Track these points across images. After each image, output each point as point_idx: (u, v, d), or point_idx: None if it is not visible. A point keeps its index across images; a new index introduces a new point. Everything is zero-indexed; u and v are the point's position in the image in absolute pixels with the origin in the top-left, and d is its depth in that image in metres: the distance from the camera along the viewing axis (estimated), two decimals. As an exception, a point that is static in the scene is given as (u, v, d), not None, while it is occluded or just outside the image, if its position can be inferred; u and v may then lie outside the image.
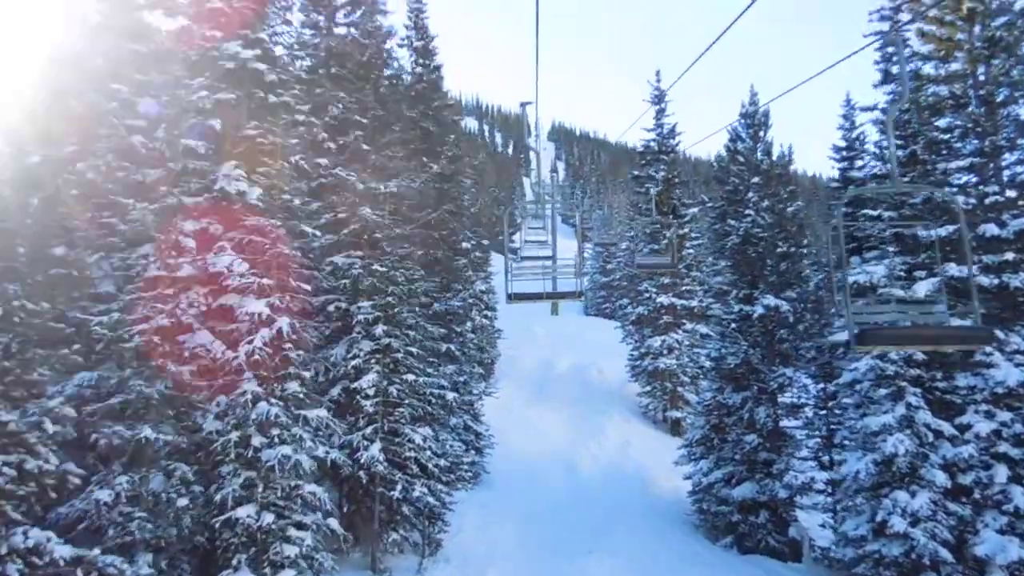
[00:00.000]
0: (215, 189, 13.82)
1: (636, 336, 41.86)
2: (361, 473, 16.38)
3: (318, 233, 16.09)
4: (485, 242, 42.60)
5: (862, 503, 18.42)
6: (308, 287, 15.53)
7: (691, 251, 41.17)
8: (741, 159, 25.18)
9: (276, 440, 11.67)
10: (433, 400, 19.52)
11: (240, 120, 14.92)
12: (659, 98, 40.98)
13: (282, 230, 14.20)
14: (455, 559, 19.08)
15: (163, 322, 11.29)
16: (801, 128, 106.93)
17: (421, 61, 32.05)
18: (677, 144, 41.28)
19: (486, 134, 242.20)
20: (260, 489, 11.59)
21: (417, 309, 19.63)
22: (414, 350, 18.07)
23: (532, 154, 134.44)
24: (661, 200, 40.44)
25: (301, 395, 12.65)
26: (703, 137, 18.59)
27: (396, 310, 17.76)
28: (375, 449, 16.44)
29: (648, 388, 40.30)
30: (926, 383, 18.40)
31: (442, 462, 18.55)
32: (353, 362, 17.25)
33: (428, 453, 17.35)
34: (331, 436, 16.16)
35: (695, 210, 41.52)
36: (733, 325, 24.18)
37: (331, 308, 18.53)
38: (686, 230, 40.49)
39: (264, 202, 13.52)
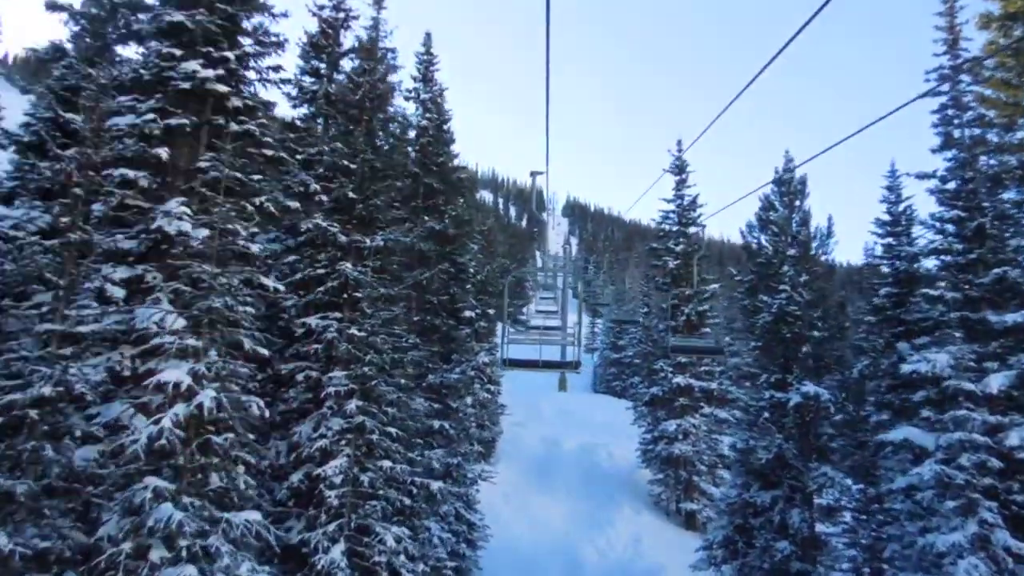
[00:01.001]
0: (152, 229, 11.38)
1: (649, 418, 38.77)
2: (318, 582, 13.47)
3: (280, 287, 13.54)
4: (491, 311, 39.99)
5: (927, 638, 15.28)
6: (266, 351, 12.90)
7: (708, 330, 38.39)
8: (775, 229, 22.68)
9: (184, 555, 8.91)
10: (415, 491, 16.65)
11: (194, 151, 12.57)
12: (680, 168, 38.95)
13: (234, 280, 11.65)
14: None
15: (45, 391, 8.70)
16: (833, 210, 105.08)
17: (428, 115, 30.06)
18: (698, 216, 39.00)
19: (500, 206, 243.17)
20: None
21: (402, 382, 16.90)
22: (393, 431, 15.30)
23: (542, 225, 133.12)
24: (680, 275, 37.99)
25: (232, 491, 9.89)
26: (728, 204, 16.12)
27: (374, 382, 15.07)
28: (336, 552, 13.54)
29: (661, 476, 37.02)
30: (1001, 496, 15.47)
31: (421, 567, 15.56)
32: (319, 443, 14.49)
33: (403, 558, 14.40)
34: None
35: (715, 286, 38.91)
36: (766, 414, 21.27)
37: (300, 377, 15.86)
38: (706, 307, 37.83)
39: (210, 247, 11.04)
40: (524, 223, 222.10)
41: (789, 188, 23.10)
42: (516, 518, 31.90)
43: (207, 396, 9.36)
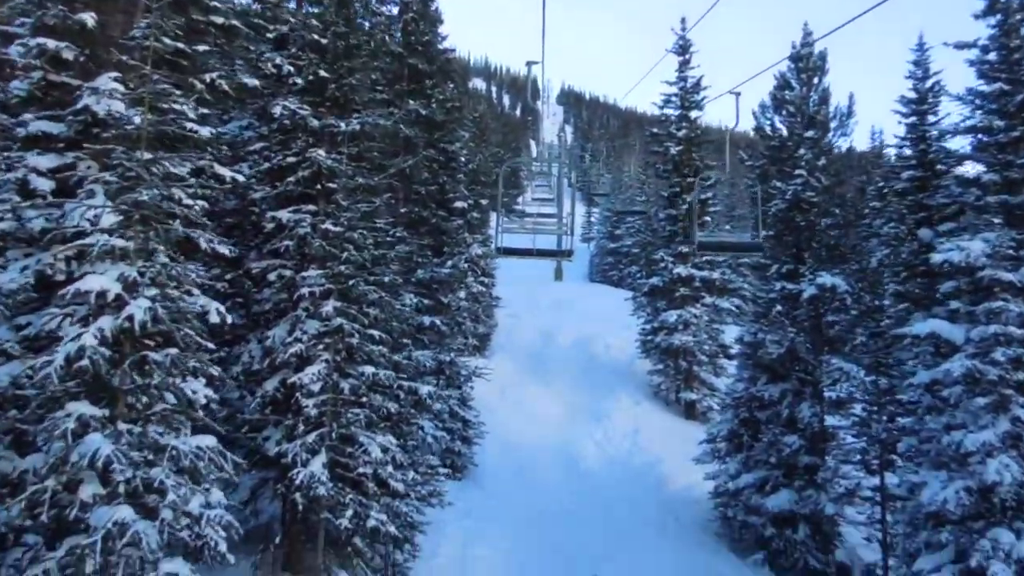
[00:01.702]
0: (80, 110, 9.69)
1: (648, 309, 37.69)
2: (297, 496, 12.43)
3: (240, 177, 11.90)
4: (484, 202, 38.32)
5: (948, 538, 14.44)
6: (227, 250, 11.42)
7: (708, 218, 36.86)
8: (791, 109, 20.82)
9: (122, 490, 7.68)
10: (402, 396, 15.51)
11: (130, 17, 10.72)
12: (683, 47, 36.45)
13: (182, 168, 10.03)
14: (426, 594, 15.27)
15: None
16: (855, 90, 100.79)
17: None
18: (702, 100, 36.81)
19: (494, 95, 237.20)
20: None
21: (387, 280, 15.49)
22: (376, 333, 13.98)
23: (537, 116, 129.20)
24: (682, 161, 36.14)
25: (179, 413, 8.55)
26: (739, 83, 14.43)
27: (353, 281, 13.65)
28: (317, 464, 12.45)
29: (660, 366, 36.29)
30: (1037, 391, 14.36)
31: (412, 475, 14.58)
32: (294, 348, 13.19)
33: (390, 468, 13.35)
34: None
35: (718, 173, 37.10)
36: (779, 307, 19.99)
37: (273, 277, 14.43)
38: (710, 194, 36.20)
39: (144, 130, 9.35)
40: (518, 112, 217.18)
41: (807, 64, 21.10)
42: (513, 413, 31.22)
43: (139, 307, 7.91)
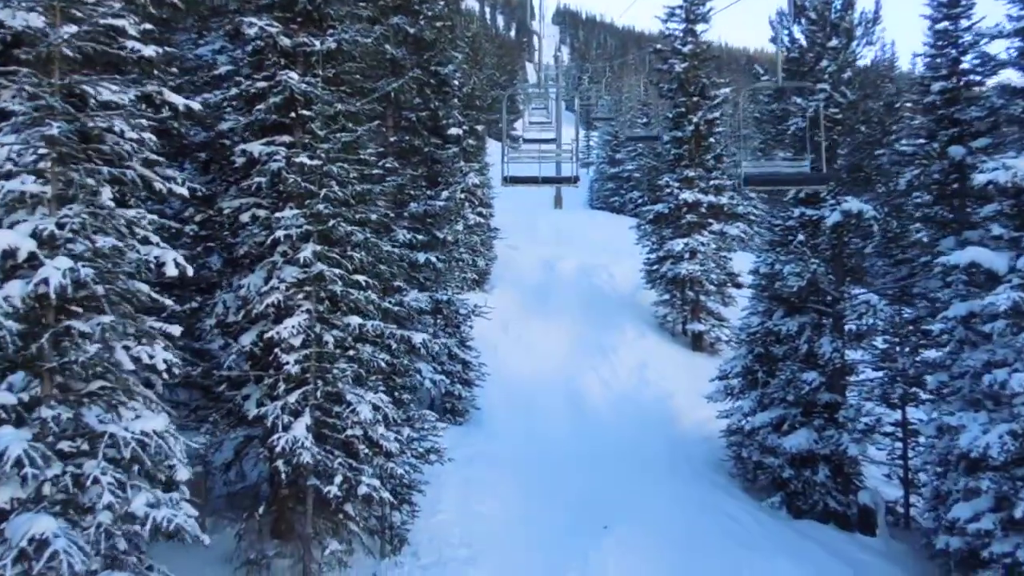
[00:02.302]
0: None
1: (653, 237, 36.20)
2: (280, 464, 11.25)
3: (195, 106, 10.32)
4: (480, 127, 36.48)
5: (989, 485, 13.36)
6: (184, 190, 9.95)
7: (712, 140, 35.12)
8: (812, 16, 18.98)
9: (48, 492, 6.41)
10: (394, 346, 14.22)
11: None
12: (688, -49, 34.04)
13: (123, 96, 8.50)
14: (426, 554, 14.24)
15: None
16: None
17: None
18: (708, 12, 34.62)
19: (487, 16, 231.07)
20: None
21: (373, 217, 14.03)
22: (362, 279, 12.59)
23: (535, 37, 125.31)
24: (688, 79, 34.17)
25: (120, 392, 7.23)
26: None
27: (334, 222, 12.20)
28: (300, 428, 11.24)
29: (666, 297, 35.03)
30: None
31: (407, 432, 13.43)
32: (271, 297, 11.84)
33: (381, 429, 12.14)
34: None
35: (727, 90, 35.14)
36: (800, 236, 18.55)
37: (246, 218, 13.00)
38: (717, 114, 34.32)
39: (72, 46, 7.81)
40: (513, 34, 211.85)
41: (829, -37, 19.20)
42: (514, 349, 30.11)
43: (56, 268, 6.50)
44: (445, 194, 31.73)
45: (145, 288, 8.07)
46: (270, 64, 13.17)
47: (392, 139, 22.25)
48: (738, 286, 34.57)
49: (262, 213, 12.80)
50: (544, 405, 25.74)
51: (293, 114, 12.87)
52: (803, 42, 19.69)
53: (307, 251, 11.85)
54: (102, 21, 8.11)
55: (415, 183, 22.61)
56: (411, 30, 22.03)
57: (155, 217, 9.06)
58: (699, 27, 34.34)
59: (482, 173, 37.82)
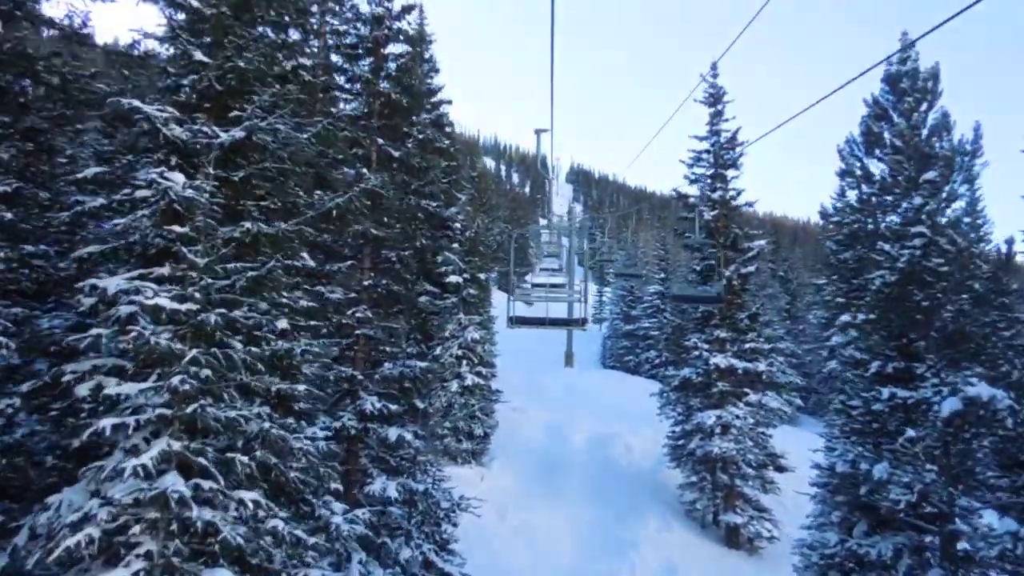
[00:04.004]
0: None
1: (679, 407, 31.22)
2: None
3: None
4: (483, 276, 32.39)
5: None
6: None
7: (746, 297, 30.81)
8: (897, 143, 14.93)
9: None
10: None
11: None
12: (714, 96, 31.01)
13: None
14: None
15: None
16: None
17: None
18: (738, 157, 31.21)
19: (503, 173, 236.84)
20: None
21: (299, 388, 9.33)
22: (251, 498, 7.72)
23: (547, 184, 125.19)
24: (717, 229, 30.34)
25: None
26: (799, 111, 9.95)
27: (199, 404, 7.49)
28: None
29: (694, 479, 29.68)
30: None
31: None
32: (81, 534, 6.95)
33: None
34: None
35: (762, 243, 31.16)
36: (909, 433, 13.57)
37: (83, 391, 8.32)
38: (752, 268, 30.18)
39: None
40: (527, 190, 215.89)
41: (913, 84, 15.37)
42: (513, 543, 24.58)
43: None
44: (439, 350, 27.22)
45: None
46: (154, 163, 8.91)
47: (366, 283, 17.92)
48: (780, 469, 29.30)
49: (110, 383, 8.13)
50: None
51: (169, 237, 8.46)
52: (882, 175, 15.55)
53: (153, 451, 7.08)
54: None
55: (392, 338, 18.10)
56: (396, 153, 18.14)
57: None
58: (729, 173, 30.85)
59: (484, 327, 33.40)
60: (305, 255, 16.73)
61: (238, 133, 8.73)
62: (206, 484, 7.41)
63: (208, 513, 7.32)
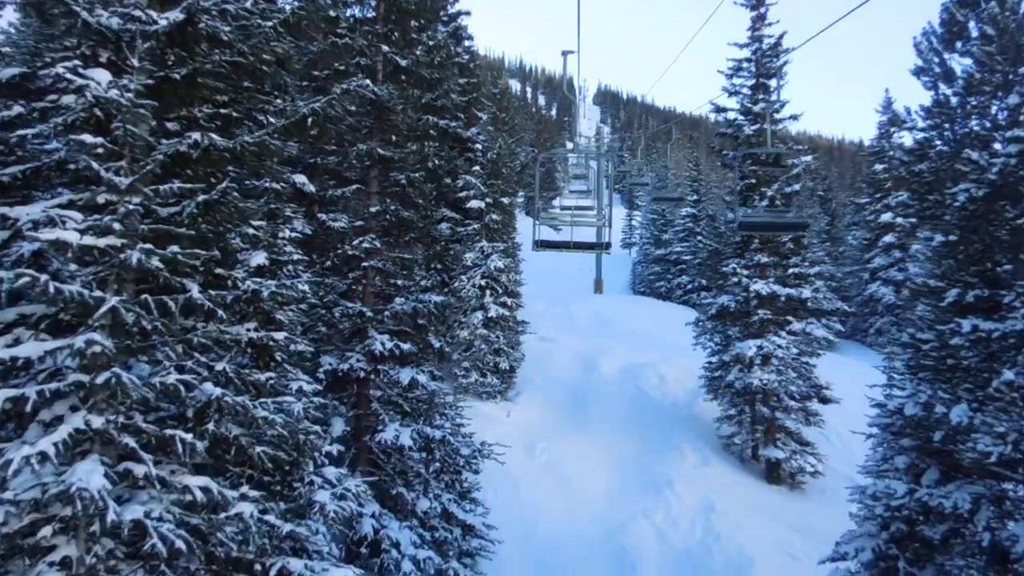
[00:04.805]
0: None
1: (717, 337, 29.42)
2: None
3: None
4: (506, 201, 30.44)
5: None
6: None
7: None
8: (989, 30, 12.63)
9: None
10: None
11: None
12: (758, -1, 28.27)
13: None
14: None
15: None
16: None
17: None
18: (783, 65, 28.61)
19: (529, 95, 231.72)
20: None
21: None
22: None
23: (574, 107, 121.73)
24: (758, 144, 27.98)
25: None
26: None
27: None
28: None
29: (733, 412, 28.09)
30: None
31: None
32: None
33: None
34: None
35: (808, 158, 28.81)
36: (1006, 375, 11.67)
37: None
38: (796, 187, 27.93)
39: None
40: (554, 113, 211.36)
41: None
42: (541, 482, 23.36)
43: None
44: (460, 281, 25.61)
45: None
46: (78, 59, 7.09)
47: (374, 209, 16.13)
48: (825, 401, 27.60)
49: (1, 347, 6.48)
50: (581, 573, 18.80)
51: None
52: (965, 72, 13.27)
53: (60, 433, 5.45)
54: None
55: (404, 270, 16.40)
56: (403, 62, 16.09)
57: None
58: (772, 82, 28.31)
59: (509, 255, 31.59)
60: (304, 178, 14.98)
61: (176, 16, 6.89)
62: (140, 470, 5.85)
63: (137, 510, 5.77)
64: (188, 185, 6.79)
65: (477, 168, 29.01)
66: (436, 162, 17.90)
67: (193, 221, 6.82)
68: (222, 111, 7.59)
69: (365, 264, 15.84)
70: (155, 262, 6.49)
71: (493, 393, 28.18)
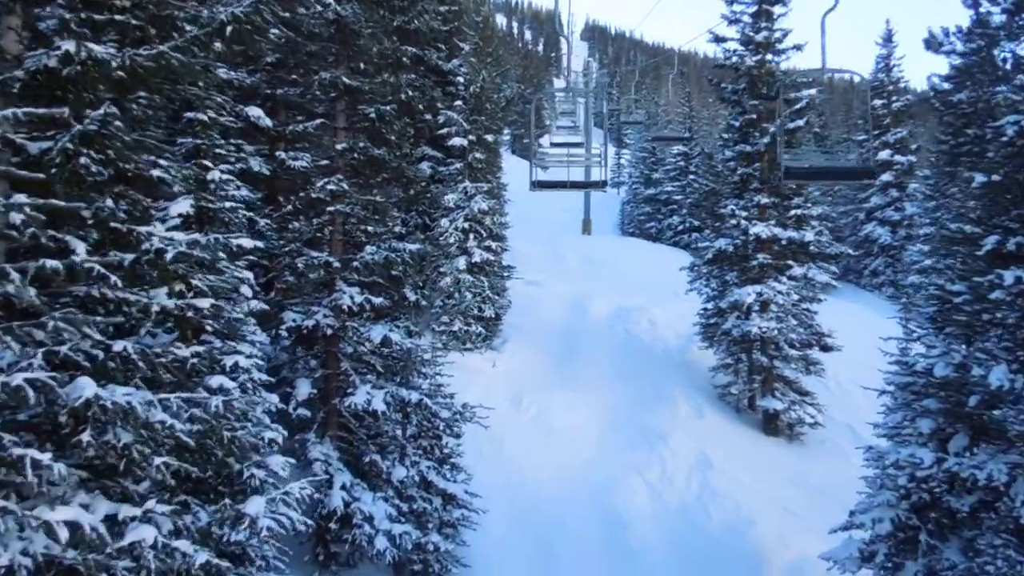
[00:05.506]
0: None
1: (713, 282, 27.96)
2: None
3: None
4: (490, 138, 28.57)
5: None
6: None
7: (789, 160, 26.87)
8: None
9: None
10: None
11: None
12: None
13: None
14: None
15: None
16: None
17: None
18: (786, -6, 26.66)
19: (515, 31, 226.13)
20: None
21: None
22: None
23: (563, 43, 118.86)
24: (760, 76, 26.20)
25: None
26: None
27: None
28: None
29: (729, 360, 26.82)
30: None
31: None
32: None
33: None
34: None
35: (812, 91, 27.03)
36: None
37: None
38: (800, 122, 26.23)
39: None
40: (541, 49, 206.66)
41: None
42: (529, 438, 22.09)
43: None
44: (442, 224, 24.08)
45: None
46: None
47: (340, 146, 14.40)
48: (826, 349, 26.39)
49: None
50: (569, 539, 17.68)
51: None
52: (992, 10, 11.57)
53: None
54: None
55: (376, 215, 14.76)
56: (371, -21, 14.19)
57: None
58: (776, 9, 26.38)
59: (494, 196, 29.83)
60: (259, 111, 13.17)
61: None
62: (-20, 501, 4.35)
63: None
64: (54, 110, 5.09)
65: (459, 103, 27.08)
66: (410, 93, 16.08)
67: (66, 159, 5.18)
68: (117, 18, 5.86)
69: (331, 208, 14.17)
70: (24, 214, 4.89)
71: (478, 343, 26.75)
